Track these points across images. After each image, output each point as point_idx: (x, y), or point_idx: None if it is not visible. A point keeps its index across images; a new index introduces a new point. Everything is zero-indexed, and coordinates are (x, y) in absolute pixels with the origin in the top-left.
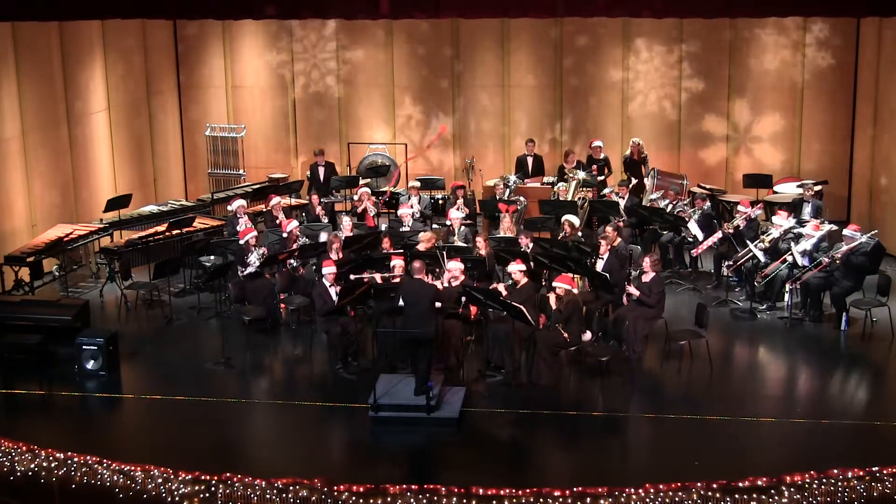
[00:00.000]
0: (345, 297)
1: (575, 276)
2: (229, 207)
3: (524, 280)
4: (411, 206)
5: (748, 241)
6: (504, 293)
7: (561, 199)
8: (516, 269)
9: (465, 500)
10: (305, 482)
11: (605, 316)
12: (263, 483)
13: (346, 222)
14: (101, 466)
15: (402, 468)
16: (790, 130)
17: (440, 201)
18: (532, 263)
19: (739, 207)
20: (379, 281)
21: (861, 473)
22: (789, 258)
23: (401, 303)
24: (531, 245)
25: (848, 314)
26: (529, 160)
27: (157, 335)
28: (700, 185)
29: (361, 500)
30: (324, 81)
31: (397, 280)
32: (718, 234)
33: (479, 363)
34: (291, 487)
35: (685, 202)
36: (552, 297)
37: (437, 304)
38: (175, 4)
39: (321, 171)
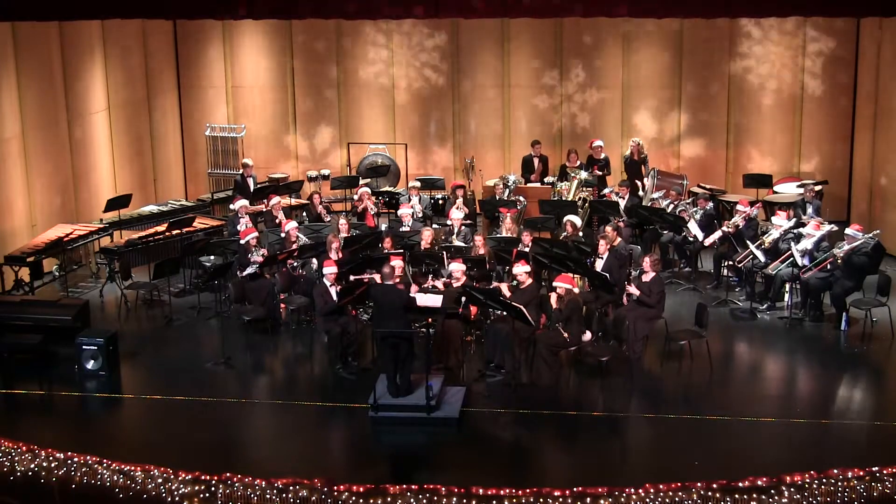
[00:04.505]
0: (345, 297)
1: (575, 275)
2: (232, 206)
3: (528, 281)
4: (411, 206)
5: (748, 241)
6: (508, 293)
7: (562, 198)
8: (521, 270)
9: (465, 500)
10: (305, 482)
11: (605, 316)
12: (263, 483)
13: (343, 223)
14: (101, 466)
15: (402, 468)
16: (790, 130)
17: (440, 201)
18: (532, 263)
19: (738, 207)
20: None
21: (861, 473)
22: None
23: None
24: (530, 245)
25: (848, 314)
26: (536, 161)
27: (157, 335)
28: (700, 185)
29: (361, 500)
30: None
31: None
32: (719, 234)
33: (479, 363)
34: (291, 487)
35: (686, 202)
36: (553, 297)
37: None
38: (175, 4)
39: (250, 181)
